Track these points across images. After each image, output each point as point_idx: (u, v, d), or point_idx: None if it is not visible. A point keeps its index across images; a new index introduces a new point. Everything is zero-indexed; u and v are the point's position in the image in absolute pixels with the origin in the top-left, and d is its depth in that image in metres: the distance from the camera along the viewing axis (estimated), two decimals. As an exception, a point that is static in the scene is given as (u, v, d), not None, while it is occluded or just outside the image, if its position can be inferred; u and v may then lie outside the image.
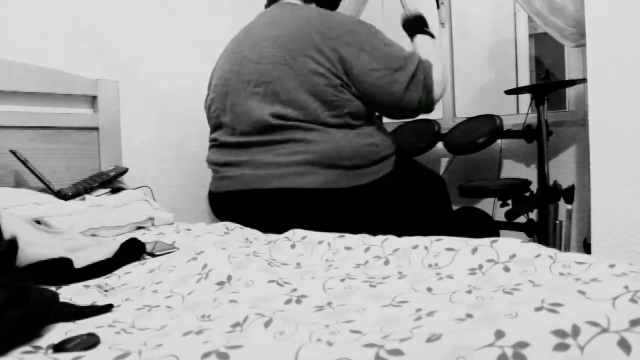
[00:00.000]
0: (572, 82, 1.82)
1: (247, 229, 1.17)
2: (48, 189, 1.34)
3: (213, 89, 1.43)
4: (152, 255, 0.93)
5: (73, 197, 1.32)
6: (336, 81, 1.23)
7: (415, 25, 1.46)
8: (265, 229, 1.19)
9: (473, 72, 2.96)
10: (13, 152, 1.36)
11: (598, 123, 1.38)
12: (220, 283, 0.73)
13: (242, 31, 1.43)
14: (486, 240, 0.76)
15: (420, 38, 1.41)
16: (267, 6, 1.46)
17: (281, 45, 1.25)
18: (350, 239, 0.92)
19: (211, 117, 1.43)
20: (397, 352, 0.40)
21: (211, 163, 1.40)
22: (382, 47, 1.27)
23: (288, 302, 0.65)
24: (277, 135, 1.25)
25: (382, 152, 1.30)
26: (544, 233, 1.83)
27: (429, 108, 1.32)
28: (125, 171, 1.53)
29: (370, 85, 1.25)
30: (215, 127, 1.43)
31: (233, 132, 1.33)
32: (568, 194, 1.84)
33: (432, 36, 1.43)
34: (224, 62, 1.41)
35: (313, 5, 1.41)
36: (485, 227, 2.06)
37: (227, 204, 1.35)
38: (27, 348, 0.51)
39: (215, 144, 1.40)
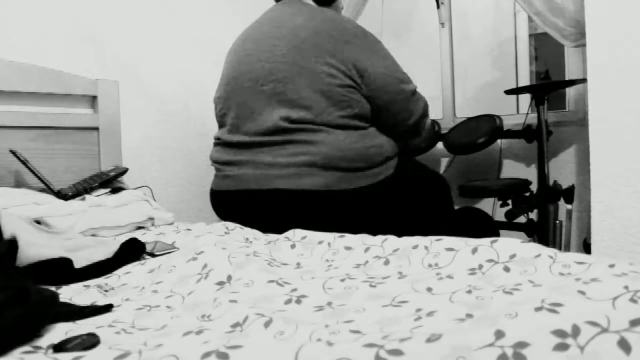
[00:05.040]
0: (572, 82, 1.82)
1: (247, 229, 1.17)
2: (48, 189, 1.34)
3: (219, 87, 1.44)
4: (152, 255, 0.93)
5: (73, 197, 1.32)
6: (347, 81, 1.24)
7: None
8: (265, 229, 1.18)
9: (473, 72, 2.96)
10: (13, 152, 1.36)
11: (598, 123, 1.38)
12: (220, 283, 0.73)
13: (248, 29, 1.42)
14: (486, 240, 0.76)
15: None
16: (277, 0, 1.46)
17: (291, 44, 1.25)
18: (350, 239, 0.92)
19: (217, 115, 1.44)
20: (397, 352, 0.40)
21: (214, 161, 1.40)
22: (389, 57, 1.33)
23: (288, 302, 0.65)
24: (281, 137, 1.24)
25: (385, 154, 1.30)
26: (544, 233, 1.83)
27: (420, 133, 1.41)
28: (125, 171, 1.53)
29: (380, 88, 1.29)
30: (220, 125, 1.43)
31: (235, 132, 1.33)
32: (568, 194, 1.84)
33: None
34: (230, 60, 1.41)
35: (314, 4, 1.40)
36: (485, 227, 2.07)
37: (228, 203, 1.35)
38: (27, 348, 0.51)
39: (219, 143, 1.40)
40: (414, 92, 1.36)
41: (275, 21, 1.34)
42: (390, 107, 1.32)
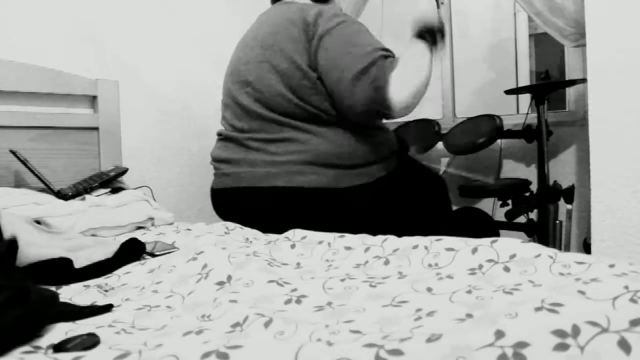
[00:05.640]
0: (572, 82, 1.82)
1: (247, 229, 1.18)
2: (48, 189, 1.34)
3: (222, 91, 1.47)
4: (152, 255, 0.93)
5: (73, 197, 1.32)
6: (311, 74, 1.22)
7: (427, 31, 1.24)
8: (265, 227, 1.19)
9: (473, 72, 2.95)
10: (13, 152, 1.36)
11: (598, 123, 1.38)
12: (220, 283, 0.73)
13: (245, 33, 1.46)
14: (486, 240, 0.76)
15: (418, 44, 1.22)
16: (273, 3, 1.47)
17: (264, 43, 1.28)
18: (350, 239, 0.92)
19: (221, 118, 1.46)
20: (397, 352, 0.40)
21: (213, 159, 1.42)
22: (342, 41, 1.18)
23: (288, 302, 0.65)
24: (273, 134, 1.26)
25: (382, 152, 1.30)
26: (544, 233, 1.83)
27: (386, 110, 1.16)
28: (125, 171, 1.53)
29: (324, 72, 1.19)
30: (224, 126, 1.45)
31: (232, 130, 1.35)
32: (568, 194, 1.84)
33: (431, 50, 1.23)
34: (228, 64, 1.46)
35: (306, 1, 1.39)
36: (485, 227, 2.07)
37: (227, 202, 1.36)
38: (27, 348, 0.51)
39: (220, 138, 1.42)
40: (359, 75, 1.14)
41: (260, 24, 1.38)
42: (333, 95, 1.21)
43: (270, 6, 1.46)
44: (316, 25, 1.22)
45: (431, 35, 1.23)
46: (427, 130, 2.22)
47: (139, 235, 1.16)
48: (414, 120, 2.26)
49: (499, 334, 0.41)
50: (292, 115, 1.24)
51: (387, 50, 1.20)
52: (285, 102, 1.23)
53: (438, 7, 2.19)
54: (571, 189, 1.84)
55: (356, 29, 1.23)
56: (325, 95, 1.24)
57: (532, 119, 1.95)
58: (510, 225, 1.93)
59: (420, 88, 1.19)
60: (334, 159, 1.23)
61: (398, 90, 1.15)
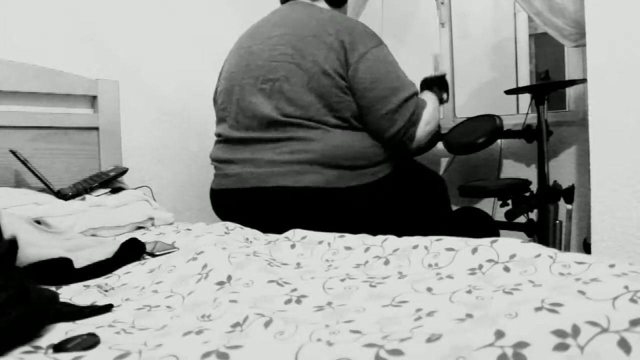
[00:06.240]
0: (572, 82, 1.82)
1: (247, 229, 1.17)
2: (48, 189, 1.34)
3: (221, 81, 1.45)
4: (152, 255, 0.93)
5: (73, 197, 1.32)
6: (341, 82, 1.24)
7: (433, 82, 1.49)
8: (265, 228, 1.19)
9: (473, 72, 2.95)
10: (13, 152, 1.36)
11: (598, 123, 1.38)
12: (220, 283, 0.73)
13: (253, 27, 1.44)
14: (486, 240, 0.76)
15: (428, 93, 1.43)
16: (282, 2, 1.47)
17: (291, 43, 1.26)
18: (350, 239, 0.92)
19: (218, 109, 1.45)
20: (397, 352, 0.40)
21: (214, 160, 1.41)
22: (384, 63, 1.27)
23: (288, 302, 0.65)
24: (279, 133, 1.25)
25: (384, 154, 1.31)
26: (544, 233, 1.83)
27: (407, 143, 1.29)
28: (125, 171, 1.53)
29: (360, 95, 1.25)
30: (220, 119, 1.44)
31: (237, 127, 1.34)
32: (568, 194, 1.84)
33: (441, 100, 1.46)
34: (233, 56, 1.43)
35: (323, 4, 1.41)
36: (485, 227, 2.06)
37: (228, 202, 1.35)
38: (27, 348, 0.51)
39: (220, 139, 1.41)
40: (403, 102, 1.25)
41: (279, 21, 1.35)
42: (368, 113, 1.26)
43: (281, 5, 1.45)
44: (355, 38, 1.25)
45: (436, 85, 1.47)
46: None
47: (139, 235, 1.16)
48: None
49: (499, 334, 0.41)
50: (302, 116, 1.24)
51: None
52: (304, 104, 1.23)
53: (438, 7, 2.20)
54: (571, 189, 1.84)
55: (390, 54, 1.32)
56: (352, 104, 1.25)
57: (532, 119, 1.95)
58: (510, 225, 1.93)
59: (434, 130, 1.37)
60: (336, 159, 1.23)
61: (422, 128, 1.30)
